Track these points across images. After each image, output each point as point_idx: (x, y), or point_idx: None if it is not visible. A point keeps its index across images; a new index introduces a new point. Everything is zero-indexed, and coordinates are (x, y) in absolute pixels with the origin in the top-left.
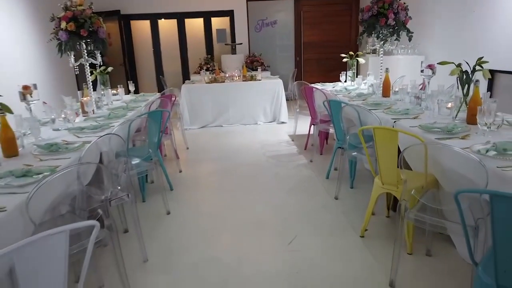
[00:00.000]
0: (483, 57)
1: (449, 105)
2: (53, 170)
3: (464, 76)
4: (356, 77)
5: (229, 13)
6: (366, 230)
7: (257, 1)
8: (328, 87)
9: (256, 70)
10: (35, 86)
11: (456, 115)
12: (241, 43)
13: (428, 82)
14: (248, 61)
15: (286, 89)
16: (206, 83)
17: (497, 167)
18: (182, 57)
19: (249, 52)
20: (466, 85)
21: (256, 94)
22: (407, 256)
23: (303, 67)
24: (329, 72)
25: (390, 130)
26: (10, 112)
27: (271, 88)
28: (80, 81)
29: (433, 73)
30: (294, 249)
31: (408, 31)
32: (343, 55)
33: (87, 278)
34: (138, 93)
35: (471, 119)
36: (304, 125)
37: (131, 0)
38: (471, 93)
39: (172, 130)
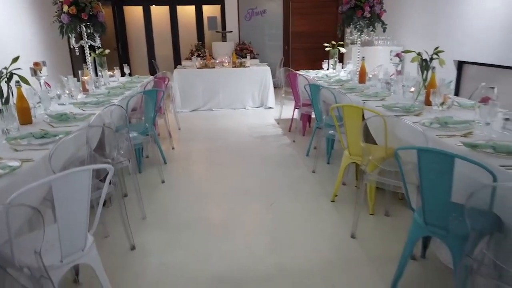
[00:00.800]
0: (438, 47)
1: (412, 89)
2: (68, 133)
3: (424, 64)
4: (337, 65)
5: (220, 1)
6: (336, 195)
7: None
8: (311, 74)
9: (246, 57)
10: (44, 63)
11: (417, 98)
12: (231, 31)
13: (396, 69)
14: (238, 49)
15: (274, 76)
16: (197, 68)
17: (436, 135)
18: (174, 43)
19: (239, 40)
20: (425, 71)
21: (244, 80)
22: (369, 216)
23: (291, 56)
24: (316, 61)
25: (355, 107)
26: (28, 83)
27: (259, 74)
28: (75, 63)
29: (400, 60)
30: (275, 210)
31: (383, 23)
32: (326, 44)
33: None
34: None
35: (428, 101)
36: (289, 110)
37: None
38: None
39: (165, 110)
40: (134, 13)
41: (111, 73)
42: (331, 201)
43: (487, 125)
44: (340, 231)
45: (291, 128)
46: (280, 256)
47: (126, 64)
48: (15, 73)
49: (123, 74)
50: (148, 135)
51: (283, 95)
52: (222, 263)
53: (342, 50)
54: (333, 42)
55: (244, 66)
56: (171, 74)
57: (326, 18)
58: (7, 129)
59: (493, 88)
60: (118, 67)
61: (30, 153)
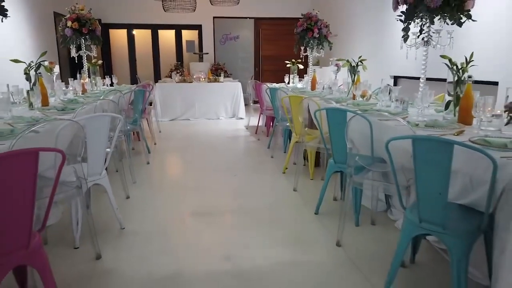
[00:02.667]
0: (361, 55)
1: (342, 86)
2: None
3: (352, 68)
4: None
5: (198, 27)
6: (286, 168)
7: (222, 18)
8: (275, 85)
9: (220, 75)
10: (56, 62)
11: (348, 94)
12: (207, 53)
13: (335, 76)
14: (213, 69)
15: (245, 92)
16: (176, 82)
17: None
18: (154, 63)
19: (215, 61)
20: (353, 74)
21: (218, 93)
22: (309, 181)
23: (261, 77)
24: (283, 82)
25: (297, 97)
26: (50, 72)
27: (231, 89)
28: (64, 70)
29: (338, 69)
30: (238, 180)
31: (329, 42)
32: (287, 61)
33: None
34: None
35: (354, 96)
36: (257, 120)
37: (111, 10)
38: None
39: (149, 113)
40: (118, 35)
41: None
42: (283, 173)
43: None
44: (285, 188)
45: (257, 130)
46: (240, 201)
47: (114, 75)
48: (42, 64)
49: (112, 84)
50: (137, 123)
51: (251, 102)
52: (197, 204)
53: (300, 66)
54: (293, 60)
55: (218, 82)
56: (154, 84)
57: (291, 43)
58: (34, 104)
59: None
60: (108, 76)
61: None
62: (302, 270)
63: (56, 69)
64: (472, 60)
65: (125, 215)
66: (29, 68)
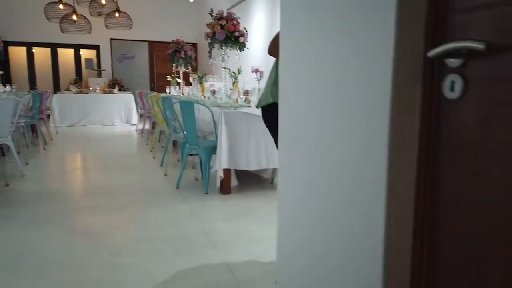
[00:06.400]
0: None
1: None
2: None
3: (232, 76)
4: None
5: (96, 47)
6: (153, 147)
7: (119, 40)
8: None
9: (114, 88)
10: None
11: (230, 97)
12: (105, 70)
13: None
14: (111, 84)
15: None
16: (74, 93)
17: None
18: (54, 78)
19: (112, 76)
20: (234, 79)
21: (113, 103)
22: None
23: (156, 91)
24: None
25: (155, 96)
26: None
27: (124, 99)
28: None
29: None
30: (117, 164)
31: (194, 61)
32: (167, 76)
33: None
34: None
35: (236, 100)
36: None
37: (10, 28)
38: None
39: (47, 119)
40: (18, 51)
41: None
42: (150, 151)
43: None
44: (148, 159)
45: (142, 131)
46: (123, 177)
47: (13, 84)
48: None
49: (11, 90)
50: (36, 119)
51: (139, 110)
52: (84, 178)
53: (178, 80)
54: (173, 75)
55: (112, 93)
56: (51, 97)
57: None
58: None
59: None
60: (7, 85)
61: None
62: (142, 186)
63: None
64: (241, 71)
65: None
66: None
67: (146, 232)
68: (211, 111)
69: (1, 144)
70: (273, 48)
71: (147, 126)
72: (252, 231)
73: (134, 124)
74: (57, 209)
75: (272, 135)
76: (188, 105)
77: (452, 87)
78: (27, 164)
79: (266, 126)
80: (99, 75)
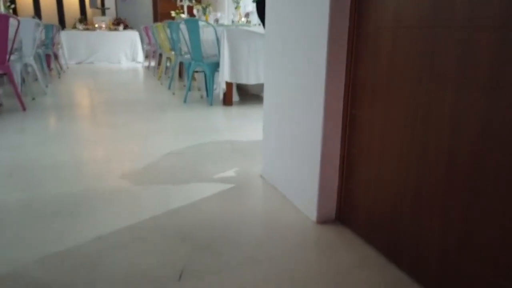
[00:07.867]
0: None
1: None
2: None
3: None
4: None
5: None
6: (160, 76)
7: None
8: None
9: (119, 25)
10: None
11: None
12: (108, 8)
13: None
14: (115, 23)
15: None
16: (80, 30)
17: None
18: (59, 17)
19: (116, 16)
20: (236, 3)
21: (118, 40)
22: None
23: None
24: None
25: (161, 25)
26: None
27: (129, 36)
28: None
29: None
30: (128, 92)
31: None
32: (172, 11)
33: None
34: None
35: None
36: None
37: None
38: None
39: (58, 51)
40: None
41: None
42: (157, 80)
43: None
44: (156, 85)
45: (149, 66)
46: (135, 94)
47: None
48: None
49: None
50: (50, 48)
51: (145, 46)
52: (102, 97)
53: (183, 15)
54: (177, 10)
55: (118, 30)
56: (59, 35)
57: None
58: None
59: None
60: None
61: None
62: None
63: None
64: None
65: (44, 95)
66: None
67: (161, 126)
68: (214, 28)
69: (26, 64)
70: None
71: (152, 64)
72: (248, 125)
73: (139, 62)
74: (84, 112)
75: (264, 27)
76: (193, 23)
77: None
78: (46, 87)
79: (259, 18)
80: (103, 13)
